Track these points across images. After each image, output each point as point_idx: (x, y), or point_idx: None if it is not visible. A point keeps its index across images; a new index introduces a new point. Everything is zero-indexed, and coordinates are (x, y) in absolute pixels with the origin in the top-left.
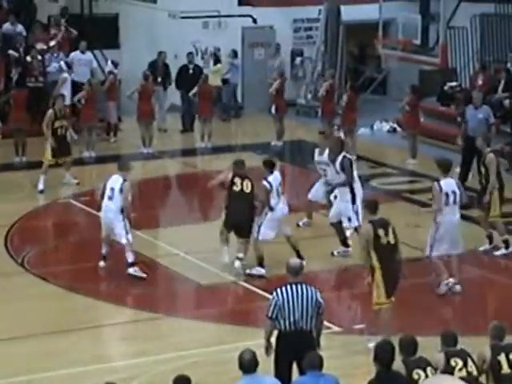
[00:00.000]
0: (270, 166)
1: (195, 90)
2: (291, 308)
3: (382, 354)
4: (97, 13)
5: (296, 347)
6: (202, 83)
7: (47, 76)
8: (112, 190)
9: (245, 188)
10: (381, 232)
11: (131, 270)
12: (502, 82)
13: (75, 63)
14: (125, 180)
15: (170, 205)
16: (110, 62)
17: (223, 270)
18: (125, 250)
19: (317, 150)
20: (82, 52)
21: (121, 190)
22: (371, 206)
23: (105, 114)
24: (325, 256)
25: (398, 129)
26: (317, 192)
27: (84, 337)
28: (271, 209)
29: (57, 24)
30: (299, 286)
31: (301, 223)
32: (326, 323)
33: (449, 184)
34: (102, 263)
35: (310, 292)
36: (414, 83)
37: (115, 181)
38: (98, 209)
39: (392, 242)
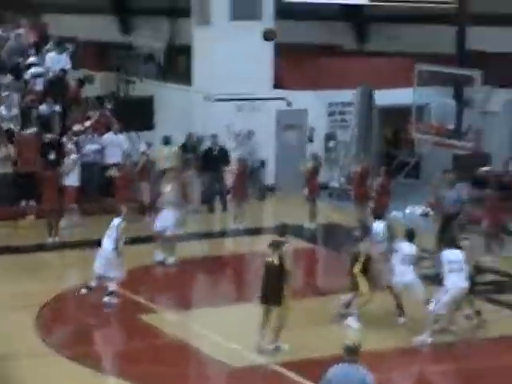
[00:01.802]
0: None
1: (230, 171)
2: None
3: None
4: (132, 95)
5: None
6: (241, 165)
7: (81, 157)
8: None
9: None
10: None
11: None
12: None
13: (108, 145)
14: (122, 220)
15: (200, 286)
16: (143, 143)
17: (256, 353)
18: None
19: None
20: (115, 133)
21: (116, 229)
22: None
23: (138, 195)
24: None
25: (431, 212)
26: None
27: None
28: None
29: (94, 106)
30: (353, 368)
31: None
32: None
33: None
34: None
35: (360, 374)
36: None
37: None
38: None
39: None
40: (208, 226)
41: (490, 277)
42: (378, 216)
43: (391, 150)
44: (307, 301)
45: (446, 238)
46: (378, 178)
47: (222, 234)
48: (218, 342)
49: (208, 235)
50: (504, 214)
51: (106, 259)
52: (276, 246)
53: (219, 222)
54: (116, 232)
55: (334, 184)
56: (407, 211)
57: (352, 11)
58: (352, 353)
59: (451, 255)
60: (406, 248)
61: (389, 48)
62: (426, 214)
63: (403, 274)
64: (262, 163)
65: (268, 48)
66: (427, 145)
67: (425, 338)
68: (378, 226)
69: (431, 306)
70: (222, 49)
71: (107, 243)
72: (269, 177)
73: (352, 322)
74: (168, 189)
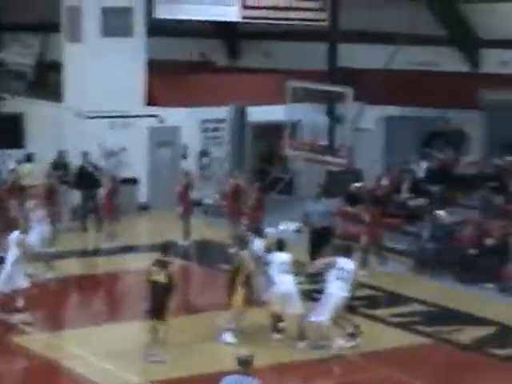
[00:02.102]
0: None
1: (102, 189)
2: None
3: None
4: (3, 111)
5: None
6: (111, 183)
7: None
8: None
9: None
10: None
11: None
12: (407, 182)
13: None
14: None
15: (73, 306)
16: (13, 161)
17: (128, 372)
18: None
19: None
20: None
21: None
22: None
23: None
24: None
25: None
26: None
27: None
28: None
29: None
30: (245, 379)
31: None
32: None
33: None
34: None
35: None
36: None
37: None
38: None
39: None
40: (82, 245)
41: (365, 291)
42: (257, 231)
43: (265, 166)
44: (182, 319)
45: (338, 247)
46: (251, 194)
47: (96, 252)
48: (91, 362)
49: (81, 253)
50: (381, 230)
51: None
52: (162, 264)
53: (93, 240)
54: (17, 246)
55: (208, 201)
56: (281, 227)
57: (224, 28)
58: (244, 364)
59: (343, 263)
60: (280, 257)
61: (261, 65)
62: (299, 230)
63: (282, 282)
64: (135, 181)
65: (140, 65)
66: (300, 161)
67: (342, 342)
68: (258, 242)
69: (313, 317)
70: (93, 65)
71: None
72: (142, 194)
73: (228, 337)
74: (32, 206)
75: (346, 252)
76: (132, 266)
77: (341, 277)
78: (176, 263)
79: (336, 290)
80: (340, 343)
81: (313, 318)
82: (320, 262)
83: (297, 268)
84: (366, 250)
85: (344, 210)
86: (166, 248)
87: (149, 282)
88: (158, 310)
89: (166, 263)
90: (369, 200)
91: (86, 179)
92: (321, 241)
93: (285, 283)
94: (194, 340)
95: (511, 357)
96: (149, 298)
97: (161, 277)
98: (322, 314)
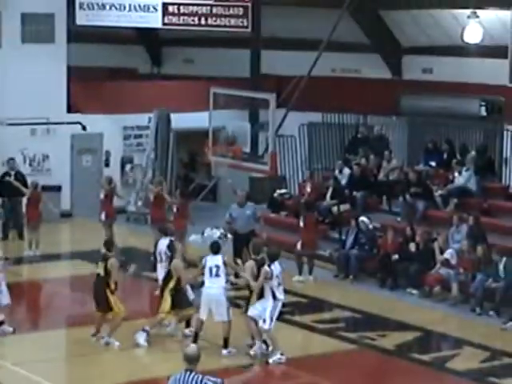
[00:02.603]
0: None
1: (26, 196)
2: None
3: None
4: None
5: None
6: (33, 190)
7: None
8: None
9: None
10: None
11: None
12: (330, 189)
13: None
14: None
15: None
16: None
17: (51, 381)
18: None
19: None
20: None
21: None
22: None
23: None
24: None
25: (229, 235)
26: None
27: None
28: (275, 298)
29: None
30: (191, 375)
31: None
32: None
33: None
34: None
35: (199, 381)
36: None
37: None
38: None
39: None
40: (3, 253)
41: (289, 298)
42: (164, 232)
43: (188, 173)
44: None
45: (270, 253)
46: (174, 201)
47: (18, 260)
48: (14, 372)
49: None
50: (314, 236)
51: None
52: (104, 258)
53: (15, 248)
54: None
55: (131, 208)
56: (205, 234)
57: (146, 34)
58: (191, 361)
59: (277, 269)
60: (212, 260)
61: (184, 71)
62: (224, 236)
63: (211, 286)
64: (58, 188)
65: (62, 71)
66: (224, 168)
67: (277, 356)
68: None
69: (266, 325)
70: (13, 72)
71: None
72: (64, 201)
73: (141, 338)
74: None
75: (276, 258)
76: (53, 274)
77: (279, 282)
78: (113, 259)
79: (282, 297)
80: (257, 349)
81: (267, 327)
82: (260, 281)
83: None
84: (301, 256)
85: (268, 216)
86: (108, 244)
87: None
88: (99, 301)
89: (107, 257)
90: (302, 206)
91: (10, 186)
92: (244, 245)
93: (214, 288)
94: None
95: (434, 362)
96: (92, 290)
97: (101, 270)
98: (270, 321)
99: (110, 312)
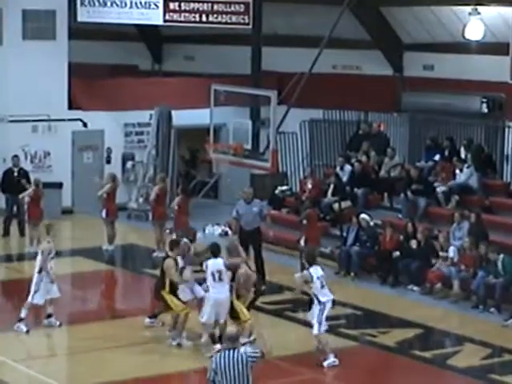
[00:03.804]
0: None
1: (26, 193)
2: (226, 372)
3: None
4: None
5: None
6: (35, 187)
7: None
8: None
9: None
10: None
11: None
12: (331, 186)
13: None
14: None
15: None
16: None
17: (51, 377)
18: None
19: None
20: None
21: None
22: None
23: None
24: None
25: (230, 232)
26: None
27: None
28: (319, 302)
29: None
30: (235, 353)
31: None
32: None
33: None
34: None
35: (244, 359)
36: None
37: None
38: None
39: None
40: (4, 250)
41: (289, 295)
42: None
43: (189, 169)
44: (106, 323)
45: (308, 255)
46: (176, 197)
47: (20, 257)
48: (15, 369)
49: (5, 258)
50: (318, 232)
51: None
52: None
53: (16, 245)
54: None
55: (133, 205)
56: (206, 231)
57: (147, 31)
58: (234, 340)
59: (318, 271)
60: (214, 264)
61: (185, 68)
62: (225, 234)
63: (219, 291)
64: (59, 185)
65: (63, 68)
66: (225, 165)
67: (332, 359)
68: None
69: (314, 329)
70: (14, 69)
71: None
72: (66, 198)
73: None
74: None
75: (313, 259)
76: (54, 271)
77: (323, 284)
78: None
79: (327, 298)
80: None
81: (315, 331)
82: (299, 282)
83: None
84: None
85: (269, 213)
86: (172, 244)
87: None
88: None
89: (166, 257)
90: (307, 203)
91: (13, 183)
92: (250, 243)
93: (222, 293)
94: (119, 344)
95: (435, 359)
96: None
97: None
98: (319, 326)
99: (170, 311)
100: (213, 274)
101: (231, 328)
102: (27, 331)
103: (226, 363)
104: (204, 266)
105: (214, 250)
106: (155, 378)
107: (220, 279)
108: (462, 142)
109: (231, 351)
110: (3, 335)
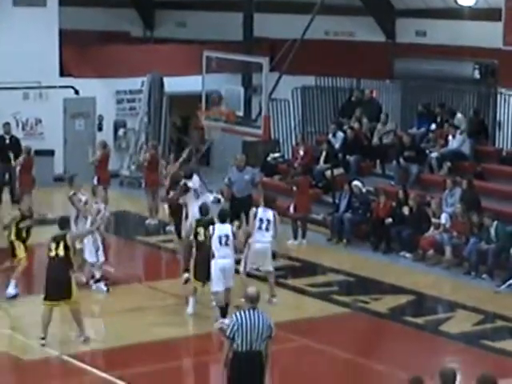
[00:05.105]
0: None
1: (18, 161)
2: (247, 330)
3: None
4: None
5: (249, 366)
6: (26, 155)
7: None
8: None
9: None
10: None
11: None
12: (324, 152)
13: None
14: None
15: None
16: None
17: (46, 345)
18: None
19: None
20: None
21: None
22: None
23: None
24: None
25: (222, 199)
26: None
27: None
28: None
29: None
30: (255, 312)
31: None
32: None
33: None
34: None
35: (264, 318)
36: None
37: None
38: None
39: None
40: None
41: (282, 262)
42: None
43: (182, 136)
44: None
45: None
46: (167, 165)
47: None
48: (9, 337)
49: None
50: (308, 199)
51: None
52: (59, 238)
53: (8, 212)
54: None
55: (125, 172)
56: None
57: None
58: (254, 300)
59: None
60: (221, 229)
61: (177, 35)
62: (218, 201)
63: (223, 256)
64: (51, 152)
65: (54, 35)
66: (217, 131)
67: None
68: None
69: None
70: (5, 35)
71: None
72: (58, 166)
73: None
74: None
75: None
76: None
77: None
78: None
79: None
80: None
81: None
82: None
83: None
84: (296, 221)
85: (262, 180)
86: (62, 223)
87: (48, 259)
88: (59, 287)
89: (63, 237)
90: (293, 171)
91: (4, 150)
92: (241, 210)
93: (227, 258)
94: (115, 312)
95: (427, 325)
96: (48, 275)
97: (58, 251)
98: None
99: None
100: (220, 238)
101: (252, 288)
102: (107, 290)
103: (247, 322)
104: (211, 230)
105: (222, 215)
106: (159, 343)
107: (226, 244)
108: (453, 108)
109: (251, 311)
110: None
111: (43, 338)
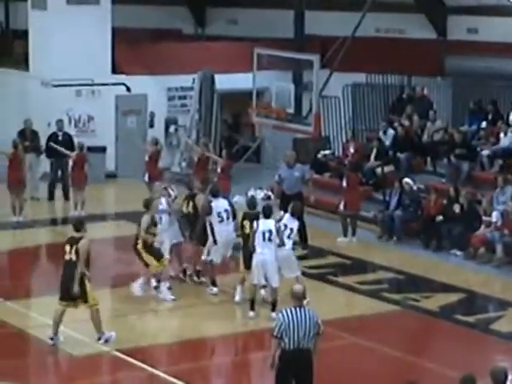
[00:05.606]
0: None
1: (71, 157)
2: (295, 328)
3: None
4: None
5: (297, 364)
6: (79, 152)
7: None
8: None
9: None
10: None
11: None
12: (374, 150)
13: None
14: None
15: (41, 274)
16: None
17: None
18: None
19: None
20: None
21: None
22: None
23: None
24: None
25: (272, 196)
26: None
27: None
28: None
29: None
30: (302, 309)
31: None
32: None
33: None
34: None
35: (311, 315)
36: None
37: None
38: None
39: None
40: (50, 214)
41: (333, 259)
42: (215, 194)
43: (232, 134)
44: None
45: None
46: (218, 162)
47: (64, 221)
48: (60, 331)
49: (50, 222)
50: (358, 196)
51: None
52: (74, 240)
53: (61, 209)
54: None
55: (175, 169)
56: (249, 195)
57: None
58: (300, 298)
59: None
60: (265, 224)
61: (228, 32)
62: (268, 198)
63: (265, 252)
64: (103, 149)
65: (106, 33)
66: (268, 129)
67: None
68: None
69: None
70: (59, 33)
71: None
72: (109, 162)
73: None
74: None
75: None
76: (98, 235)
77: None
78: (87, 239)
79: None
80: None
81: None
82: None
83: None
84: (345, 218)
85: (312, 177)
86: (77, 225)
87: (63, 262)
88: (70, 290)
89: (78, 240)
90: (348, 167)
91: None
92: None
93: (268, 254)
94: (163, 307)
95: (478, 323)
96: (62, 278)
97: (72, 255)
98: None
99: None
100: (263, 233)
101: (297, 286)
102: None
103: (294, 320)
104: (255, 225)
105: (266, 211)
106: (194, 341)
107: (269, 239)
108: (506, 105)
109: (297, 308)
110: (48, 298)
111: (52, 339)
